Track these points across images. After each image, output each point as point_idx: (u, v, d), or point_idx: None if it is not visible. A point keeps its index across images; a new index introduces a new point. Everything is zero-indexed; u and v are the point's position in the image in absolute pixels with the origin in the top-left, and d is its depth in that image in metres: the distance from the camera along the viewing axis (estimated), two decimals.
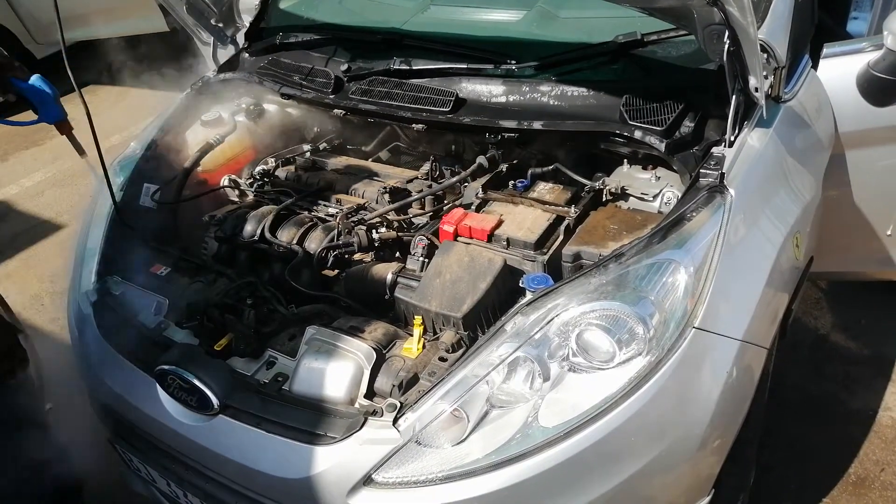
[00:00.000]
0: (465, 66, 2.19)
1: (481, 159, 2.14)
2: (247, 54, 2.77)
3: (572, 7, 2.34)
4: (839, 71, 2.26)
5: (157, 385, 1.81)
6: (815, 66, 2.26)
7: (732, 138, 1.84)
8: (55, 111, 2.32)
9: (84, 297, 2.12)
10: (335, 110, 2.33)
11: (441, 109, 2.15)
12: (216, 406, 1.70)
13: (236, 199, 2.48)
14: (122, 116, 5.86)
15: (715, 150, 1.82)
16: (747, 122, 1.89)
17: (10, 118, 2.39)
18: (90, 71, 7.07)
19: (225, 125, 2.59)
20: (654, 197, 1.93)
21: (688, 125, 1.91)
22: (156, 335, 1.93)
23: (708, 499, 1.71)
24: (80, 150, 2.44)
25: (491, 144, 2.14)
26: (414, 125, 2.19)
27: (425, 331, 1.77)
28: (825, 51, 2.28)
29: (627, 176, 2.02)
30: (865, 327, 2.98)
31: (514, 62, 2.15)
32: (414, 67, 2.26)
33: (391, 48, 2.37)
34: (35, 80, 2.27)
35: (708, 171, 1.75)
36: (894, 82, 2.14)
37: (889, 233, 2.54)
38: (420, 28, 2.44)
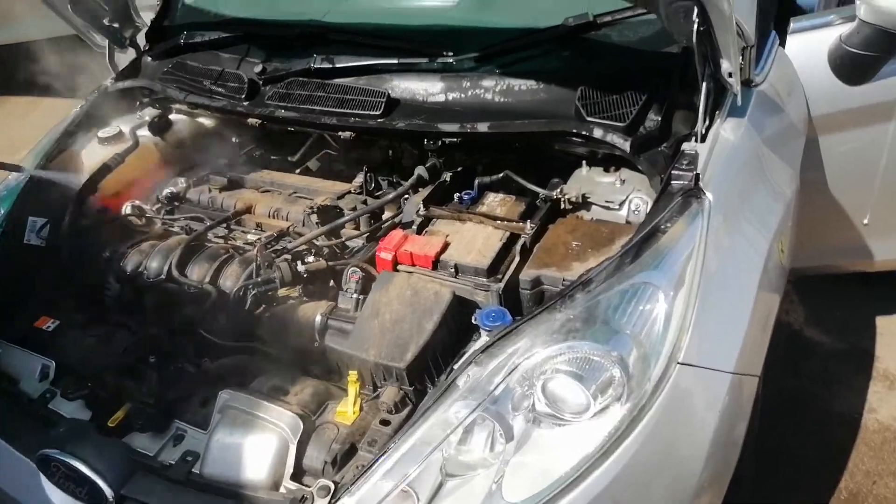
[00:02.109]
0: (395, 62, 1.90)
1: (420, 170, 1.85)
2: (149, 58, 2.42)
3: None
4: (808, 47, 2.05)
5: (40, 473, 1.49)
6: (782, 44, 2.03)
7: (704, 131, 1.60)
8: None
9: None
10: (249, 119, 2.01)
11: (371, 113, 1.85)
12: (110, 498, 1.40)
13: (144, 229, 2.13)
14: (34, 129, 5.36)
15: (686, 146, 1.57)
16: (718, 111, 1.65)
17: None
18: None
19: (125, 141, 2.24)
20: (621, 204, 1.68)
21: (653, 119, 1.66)
22: (39, 408, 1.60)
23: None
24: (18, 169, 2.10)
25: (431, 152, 1.86)
26: (340, 133, 1.89)
27: (363, 385, 1.49)
28: (792, 25, 2.06)
29: (588, 180, 1.76)
30: (840, 319, 2.80)
31: (451, 54, 1.86)
32: (337, 65, 1.96)
33: (311, 44, 2.06)
34: None
35: (680, 172, 1.51)
36: (869, 58, 1.91)
37: (866, 222, 2.35)
38: (343, 19, 2.13)
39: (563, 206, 1.72)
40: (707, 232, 1.44)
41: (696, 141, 1.58)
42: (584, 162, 1.79)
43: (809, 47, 2.06)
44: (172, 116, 2.32)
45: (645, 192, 1.68)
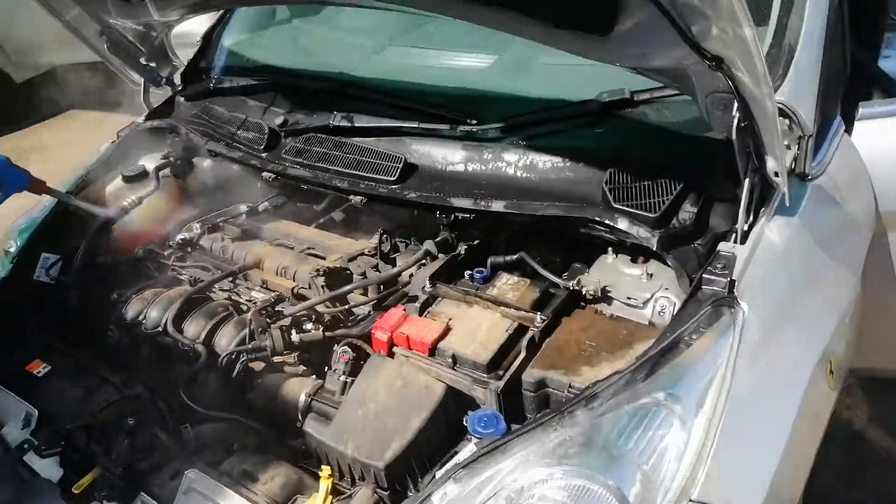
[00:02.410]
0: (416, 126, 1.80)
1: (429, 245, 1.73)
2: (182, 98, 2.40)
3: (553, 52, 1.94)
4: (879, 135, 1.85)
5: None
6: (848, 130, 1.84)
7: (745, 229, 1.43)
8: (20, 178, 1.94)
9: None
10: (264, 173, 1.94)
11: (384, 178, 1.76)
12: None
13: (154, 274, 2.08)
14: (102, 143, 5.53)
15: (722, 246, 1.40)
16: (764, 208, 1.48)
17: None
18: (71, 95, 6.79)
19: (149, 181, 2.21)
20: (645, 303, 1.51)
21: (688, 210, 1.50)
22: (14, 461, 1.54)
23: None
24: (67, 198, 2.09)
25: (443, 226, 1.74)
26: (351, 197, 1.80)
27: (342, 477, 1.37)
28: (861, 111, 1.87)
29: (612, 270, 1.61)
30: None
31: (474, 122, 1.75)
32: (356, 124, 1.88)
33: (334, 99, 1.99)
34: None
35: (713, 277, 1.34)
36: None
37: None
38: (372, 73, 2.05)
39: (582, 296, 1.57)
40: (738, 349, 1.27)
41: (734, 241, 1.42)
42: (610, 249, 1.64)
43: (880, 134, 1.86)
44: (196, 159, 2.28)
45: (674, 291, 1.51)
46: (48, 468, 1.51)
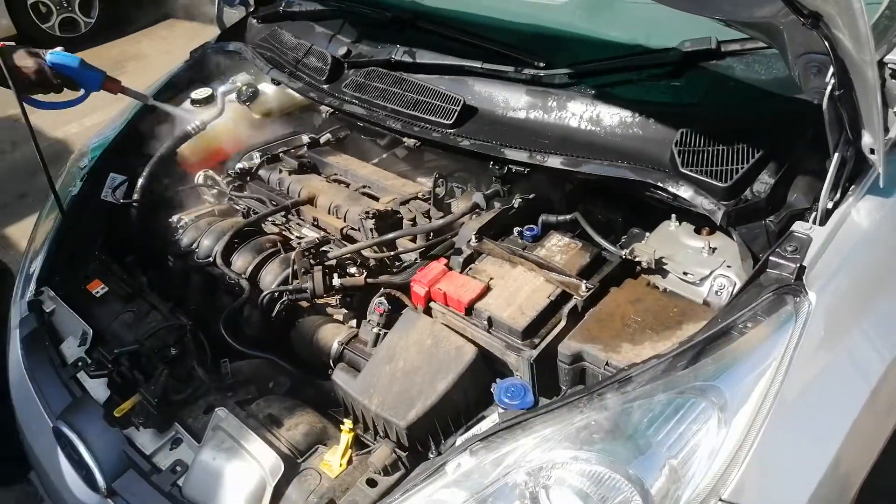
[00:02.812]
0: (479, 65, 1.68)
1: (478, 197, 1.64)
2: (254, 20, 2.35)
3: None
4: None
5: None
6: None
7: (829, 208, 1.26)
8: (95, 77, 1.95)
9: (17, 310, 1.86)
10: (321, 107, 1.88)
11: (440, 121, 1.66)
12: (102, 489, 1.39)
13: (212, 200, 2.11)
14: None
15: (798, 226, 1.25)
16: (854, 186, 1.30)
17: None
18: (168, 4, 6.92)
19: (216, 105, 2.21)
20: (702, 280, 1.39)
21: (765, 181, 1.34)
22: (68, 377, 1.62)
23: None
24: (143, 97, 2.14)
25: (496, 177, 1.64)
26: (404, 139, 1.72)
27: (366, 430, 1.36)
28: None
29: (672, 239, 1.48)
30: None
31: (542, 64, 1.61)
32: (418, 60, 1.77)
33: (401, 30, 1.88)
34: (58, 55, 1.92)
35: (781, 261, 1.20)
36: None
37: None
38: (442, 3, 1.92)
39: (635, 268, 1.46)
40: (798, 344, 1.14)
41: (813, 222, 1.26)
42: (674, 215, 1.50)
43: None
44: (262, 85, 2.25)
45: (736, 270, 1.37)
46: (96, 388, 1.58)
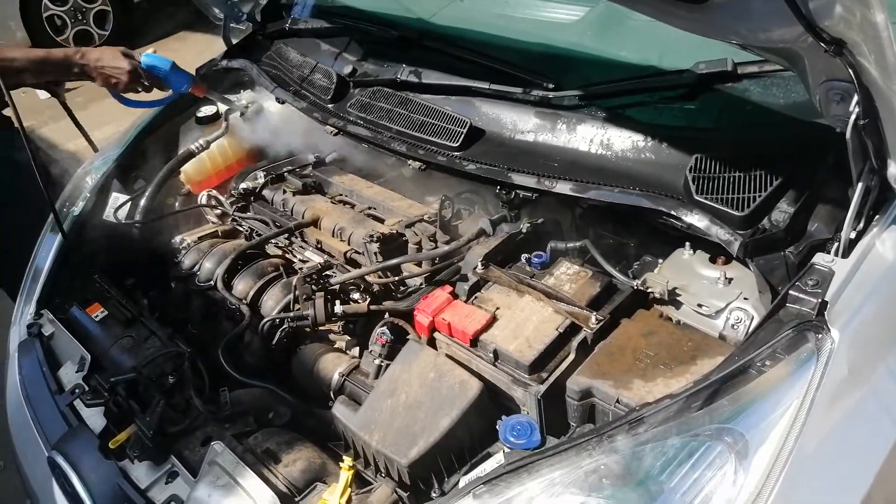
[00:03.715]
0: (487, 86, 1.64)
1: (484, 223, 1.59)
2: (260, 36, 2.32)
3: None
4: None
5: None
6: None
7: (852, 238, 1.21)
8: (184, 80, 1.99)
9: (16, 332, 1.83)
10: (325, 127, 1.84)
11: (446, 143, 1.62)
12: None
13: (216, 220, 2.07)
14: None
15: (819, 258, 1.19)
16: (878, 216, 1.24)
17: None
18: (180, 17, 6.94)
19: (221, 124, 2.18)
20: (718, 313, 1.33)
21: (784, 210, 1.29)
22: (64, 404, 1.59)
23: None
24: (228, 102, 2.18)
25: (503, 203, 1.59)
26: (409, 162, 1.67)
27: (367, 465, 1.31)
28: None
29: (686, 269, 1.42)
30: None
31: (551, 85, 1.57)
32: (424, 80, 1.73)
33: (406, 49, 1.84)
34: (151, 58, 1.94)
35: (800, 295, 1.14)
36: None
37: None
38: (450, 21, 1.89)
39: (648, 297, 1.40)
40: (820, 385, 1.08)
41: (835, 253, 1.20)
42: (688, 243, 1.45)
43: None
44: (268, 104, 2.21)
45: (753, 302, 1.31)
46: (93, 417, 1.54)
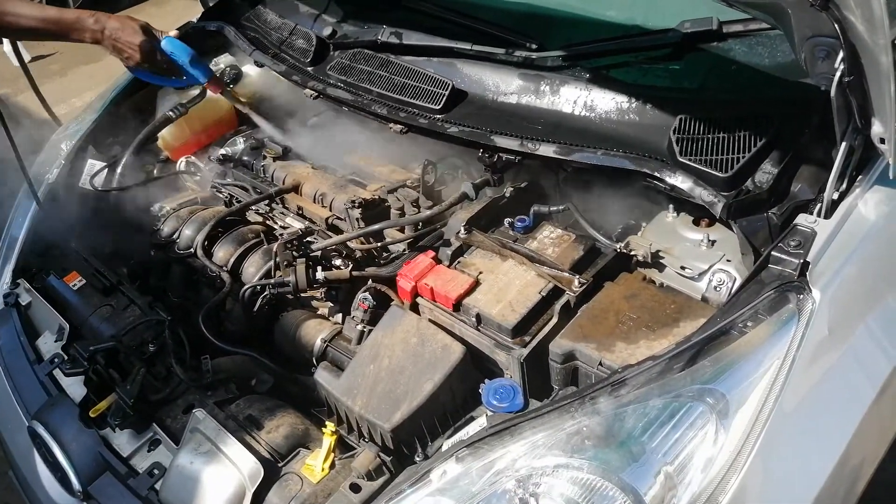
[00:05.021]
0: (469, 48, 1.60)
1: (467, 187, 1.57)
2: None
3: None
4: None
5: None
6: None
7: (834, 198, 1.20)
8: (201, 73, 1.84)
9: None
10: (305, 90, 1.80)
11: (428, 106, 1.59)
12: (78, 492, 1.34)
13: (195, 187, 2.04)
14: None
15: (802, 219, 1.19)
16: (861, 176, 1.24)
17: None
18: None
19: (196, 88, 2.13)
20: (700, 275, 1.33)
21: (768, 171, 1.28)
22: (43, 374, 1.57)
23: None
24: (244, 105, 2.07)
25: (486, 166, 1.57)
26: (390, 125, 1.64)
27: (350, 431, 1.31)
28: None
29: (670, 231, 1.41)
30: None
31: (534, 46, 1.54)
32: (405, 42, 1.69)
33: (387, 9, 1.80)
34: (171, 43, 1.83)
35: (783, 256, 1.14)
36: None
37: None
38: None
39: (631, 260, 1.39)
40: (800, 345, 1.09)
41: (817, 214, 1.20)
42: (671, 206, 1.44)
43: None
44: (246, 67, 2.16)
45: (736, 264, 1.31)
46: (73, 386, 1.53)
